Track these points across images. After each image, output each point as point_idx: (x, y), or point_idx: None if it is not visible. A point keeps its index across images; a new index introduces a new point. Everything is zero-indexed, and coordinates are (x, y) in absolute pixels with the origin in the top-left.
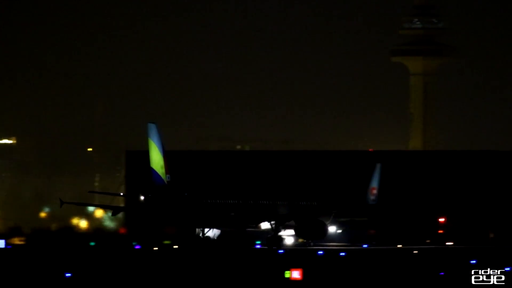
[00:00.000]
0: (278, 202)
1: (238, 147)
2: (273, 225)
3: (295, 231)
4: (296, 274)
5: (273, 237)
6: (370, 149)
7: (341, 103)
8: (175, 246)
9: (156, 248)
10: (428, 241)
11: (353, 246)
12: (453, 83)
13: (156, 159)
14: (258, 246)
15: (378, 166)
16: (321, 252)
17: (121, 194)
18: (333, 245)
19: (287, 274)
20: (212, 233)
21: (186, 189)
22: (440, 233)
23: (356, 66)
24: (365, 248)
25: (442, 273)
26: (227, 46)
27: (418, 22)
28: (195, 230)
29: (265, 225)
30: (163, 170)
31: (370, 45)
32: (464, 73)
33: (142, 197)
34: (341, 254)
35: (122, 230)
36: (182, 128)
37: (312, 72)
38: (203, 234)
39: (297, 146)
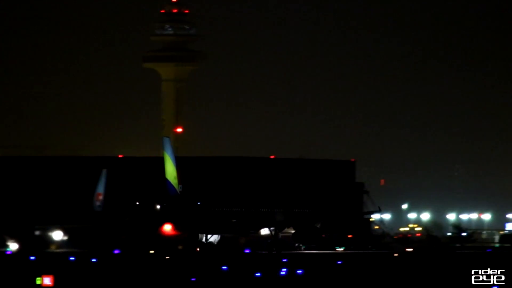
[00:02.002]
0: (275, 209)
1: None
2: (273, 231)
3: (292, 236)
4: (47, 281)
5: (273, 242)
6: (120, 155)
7: (94, 109)
8: None
9: None
10: (180, 247)
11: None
12: (204, 89)
13: (170, 170)
14: (9, 252)
15: (104, 172)
16: (72, 258)
17: (137, 203)
18: None
19: (38, 281)
20: (213, 238)
21: (198, 198)
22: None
23: (108, 72)
24: (116, 253)
25: (194, 279)
26: None
27: (170, 29)
28: (198, 235)
29: (264, 231)
30: (176, 181)
31: (122, 51)
32: (215, 79)
33: (158, 206)
34: (92, 260)
35: None
36: None
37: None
38: (206, 239)
39: (52, 151)
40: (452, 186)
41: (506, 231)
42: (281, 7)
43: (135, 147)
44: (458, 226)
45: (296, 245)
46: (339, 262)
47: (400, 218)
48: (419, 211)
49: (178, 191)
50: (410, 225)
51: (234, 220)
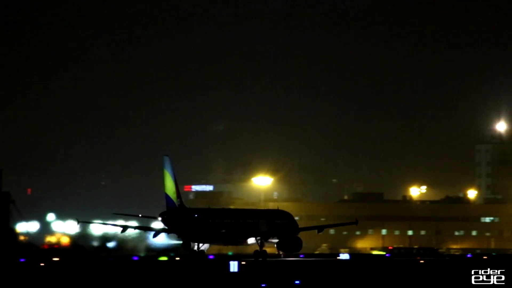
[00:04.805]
0: (260, 221)
1: None
2: (259, 240)
3: (277, 245)
4: None
5: (259, 251)
6: None
7: None
8: None
9: None
10: None
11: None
12: None
13: (169, 186)
14: None
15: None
16: None
17: (140, 215)
18: None
19: None
20: (204, 247)
21: (195, 211)
22: None
23: None
24: None
25: None
26: None
27: None
28: (190, 244)
29: (251, 241)
30: (175, 195)
31: None
32: None
33: (159, 218)
34: None
35: None
36: None
37: None
38: (198, 248)
39: None
40: (99, 194)
41: None
42: None
43: None
44: (104, 237)
45: (277, 253)
46: None
47: (46, 227)
48: (65, 221)
49: (177, 205)
50: (58, 235)
51: (224, 231)
